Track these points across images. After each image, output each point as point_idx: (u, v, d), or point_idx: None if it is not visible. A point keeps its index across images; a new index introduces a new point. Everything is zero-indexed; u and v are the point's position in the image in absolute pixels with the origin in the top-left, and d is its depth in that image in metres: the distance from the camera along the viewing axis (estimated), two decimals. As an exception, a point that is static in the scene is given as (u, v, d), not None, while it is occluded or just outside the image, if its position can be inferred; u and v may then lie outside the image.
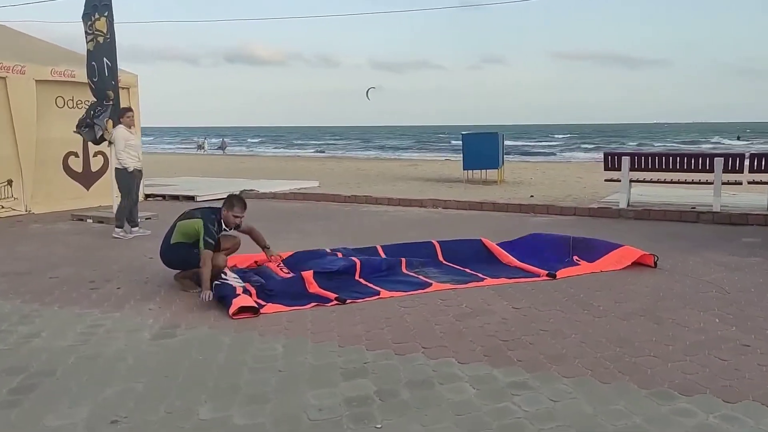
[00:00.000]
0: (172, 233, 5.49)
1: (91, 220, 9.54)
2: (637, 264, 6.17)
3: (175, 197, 12.42)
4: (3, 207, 10.15)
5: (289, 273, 5.79)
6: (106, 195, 10.55)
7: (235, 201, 5.51)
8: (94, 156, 11.26)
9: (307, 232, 8.57)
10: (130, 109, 8.83)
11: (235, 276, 5.52)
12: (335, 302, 4.96)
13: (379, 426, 2.98)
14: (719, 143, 58.39)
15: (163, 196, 12.54)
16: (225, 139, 52.47)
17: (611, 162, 10.15)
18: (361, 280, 5.56)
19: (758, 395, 3.22)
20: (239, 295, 4.91)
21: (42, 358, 3.93)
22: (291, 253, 6.24)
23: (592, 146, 56.43)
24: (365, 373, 3.63)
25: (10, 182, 10.24)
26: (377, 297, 5.11)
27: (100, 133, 9.45)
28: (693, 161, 9.59)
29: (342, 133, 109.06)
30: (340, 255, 6.15)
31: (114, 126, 9.54)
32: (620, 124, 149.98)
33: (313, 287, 5.24)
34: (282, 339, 4.26)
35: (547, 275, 5.69)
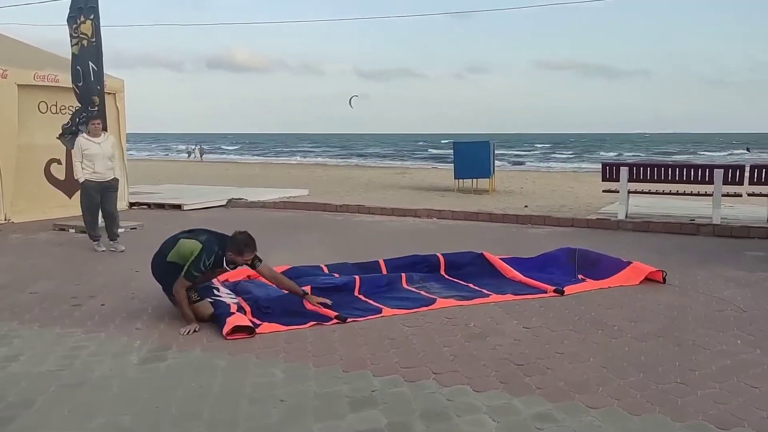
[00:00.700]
0: (171, 249, 4.90)
1: (73, 230, 9.16)
2: (647, 279, 5.96)
3: (161, 206, 12.07)
4: (-19, 216, 9.75)
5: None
6: (90, 204, 10.18)
7: (243, 245, 4.71)
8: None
9: (302, 243, 8.28)
10: (95, 117, 8.32)
11: (228, 292, 5.22)
12: (335, 321, 4.68)
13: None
14: (732, 153, 56.34)
15: (149, 205, 12.18)
16: (202, 146, 52.01)
17: (610, 173, 9.97)
18: (361, 297, 5.29)
19: (800, 428, 2.99)
20: (233, 313, 4.62)
21: (21, 386, 3.61)
22: (287, 267, 5.94)
23: (572, 155, 56.69)
24: (374, 403, 3.35)
25: (-12, 190, 9.84)
26: (379, 315, 4.83)
27: (84, 139, 9.12)
28: (693, 172, 9.44)
29: (321, 140, 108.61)
30: (337, 276, 5.82)
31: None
32: (602, 134, 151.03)
33: (311, 305, 4.95)
34: (281, 363, 3.97)
35: (554, 291, 5.45)
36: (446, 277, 6.01)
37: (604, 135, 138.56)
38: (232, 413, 3.25)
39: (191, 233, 4.94)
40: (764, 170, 9.14)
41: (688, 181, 9.48)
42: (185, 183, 18.36)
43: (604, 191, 10.52)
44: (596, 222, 9.77)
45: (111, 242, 7.97)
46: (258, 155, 58.06)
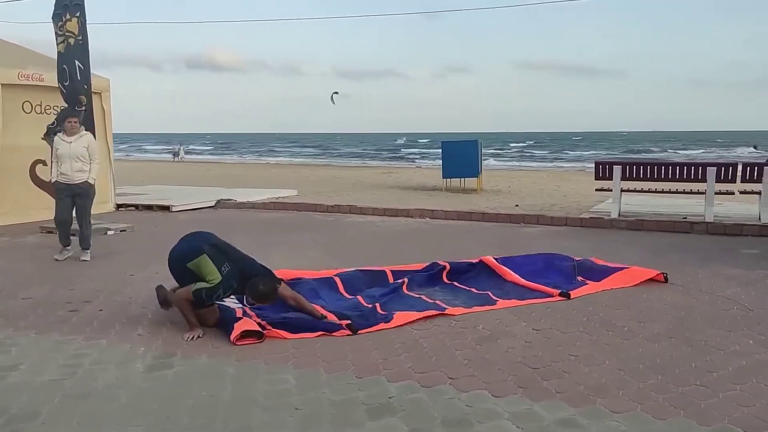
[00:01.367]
0: (193, 257, 4.57)
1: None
2: (648, 279, 5.94)
3: (149, 207, 11.86)
4: (-36, 218, 9.49)
5: None
6: (77, 205, 9.97)
7: (261, 297, 4.60)
8: (63, 164, 10.63)
9: (296, 245, 8.17)
10: (71, 114, 7.73)
11: (233, 297, 5.10)
12: (346, 331, 4.53)
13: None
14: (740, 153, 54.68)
15: (136, 206, 11.97)
16: (181, 146, 51.62)
17: (602, 171, 9.98)
18: (369, 305, 5.16)
19: (827, 430, 2.97)
20: (240, 318, 4.50)
21: (23, 398, 3.47)
22: (295, 276, 5.75)
23: (549, 153, 57.05)
24: (393, 410, 3.27)
25: (-28, 192, 9.58)
26: (390, 324, 4.70)
27: (71, 140, 8.92)
28: (685, 170, 9.49)
29: (298, 139, 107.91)
30: (340, 287, 5.65)
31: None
32: (580, 132, 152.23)
33: (321, 311, 4.84)
34: (292, 369, 3.87)
35: (560, 294, 5.40)
36: (447, 281, 5.93)
37: (581, 133, 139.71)
38: (246, 422, 3.15)
39: (218, 253, 4.62)
40: (756, 168, 9.21)
41: (681, 180, 9.53)
42: (168, 184, 18.12)
43: (597, 189, 10.53)
44: (590, 221, 9.77)
45: (81, 249, 7.42)
46: (234, 155, 57.64)
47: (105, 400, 3.45)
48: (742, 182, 9.34)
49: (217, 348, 4.26)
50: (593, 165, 10.50)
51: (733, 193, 9.67)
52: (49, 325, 4.77)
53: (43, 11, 9.98)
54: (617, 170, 9.78)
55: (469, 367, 3.87)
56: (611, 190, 9.95)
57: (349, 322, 4.62)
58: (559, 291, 5.44)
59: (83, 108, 8.90)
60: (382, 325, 4.65)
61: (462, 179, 16.58)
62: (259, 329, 4.39)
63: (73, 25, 8.87)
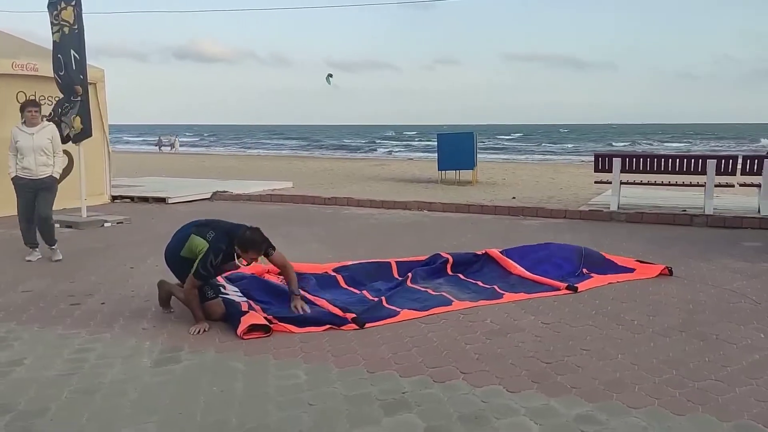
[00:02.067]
0: (182, 245, 4.64)
1: (58, 225, 8.78)
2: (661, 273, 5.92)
3: (145, 199, 11.75)
4: (-43, 210, 9.34)
5: None
6: (72, 197, 9.85)
7: (249, 244, 4.50)
8: (57, 155, 10.50)
9: (295, 238, 8.10)
10: (31, 104, 6.93)
11: (235, 289, 5.04)
12: (353, 325, 4.48)
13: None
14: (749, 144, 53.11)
15: (132, 198, 11.85)
16: (162, 138, 51.53)
17: (602, 163, 9.96)
18: (375, 299, 5.11)
19: None
20: (246, 312, 4.44)
21: (30, 393, 3.41)
22: (297, 270, 5.68)
23: (537, 145, 57.27)
24: (408, 406, 3.23)
25: (-35, 183, 9.43)
26: (397, 318, 4.65)
27: (67, 131, 8.81)
28: (685, 163, 9.48)
29: (286, 131, 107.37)
30: (342, 282, 5.61)
31: (82, 123, 8.94)
32: (569, 125, 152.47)
33: (325, 305, 4.79)
34: (301, 364, 3.82)
35: (567, 288, 5.37)
36: (451, 274, 5.89)
37: (569, 126, 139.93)
38: (261, 419, 3.10)
39: (202, 227, 4.66)
40: (756, 161, 9.22)
41: (681, 172, 9.52)
42: (162, 176, 17.97)
43: (596, 182, 10.51)
44: (589, 213, 9.76)
45: (49, 248, 6.83)
46: (224, 147, 57.44)
47: (114, 395, 3.38)
48: (741, 175, 9.34)
49: (224, 342, 4.20)
50: (583, 157, 10.46)
51: (733, 186, 9.67)
52: (52, 319, 4.70)
53: (37, 0, 9.81)
54: (617, 162, 9.76)
55: (481, 361, 3.83)
56: (610, 183, 9.94)
57: (354, 315, 4.57)
58: (566, 285, 5.41)
59: (79, 98, 8.79)
60: (388, 320, 4.60)
61: (457, 171, 16.56)
62: (267, 323, 4.34)
63: (68, 14, 8.73)
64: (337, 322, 4.49)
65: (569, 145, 57.29)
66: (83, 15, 8.85)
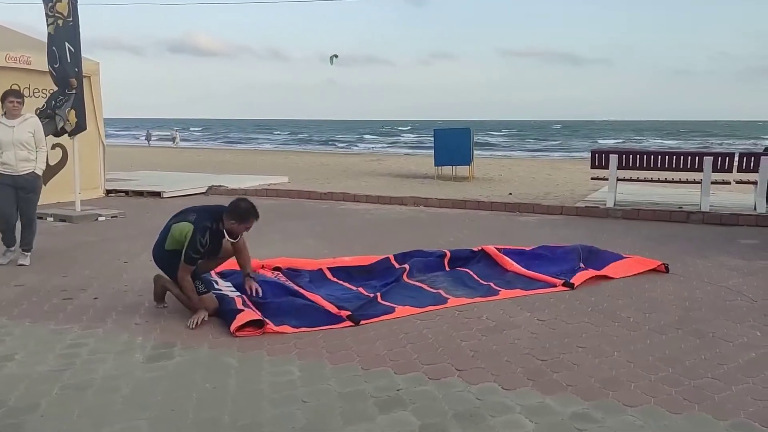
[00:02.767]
0: (167, 237, 4.64)
1: (51, 219, 8.79)
2: (650, 270, 5.91)
3: (140, 193, 11.69)
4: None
5: (287, 282, 5.28)
6: (67, 190, 9.81)
7: (246, 213, 4.54)
8: (52, 148, 10.38)
9: (291, 233, 8.07)
10: (12, 94, 6.42)
11: (228, 284, 5.01)
12: (348, 323, 4.44)
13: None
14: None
15: (126, 192, 11.79)
16: (150, 131, 51.38)
17: (599, 160, 9.94)
18: (370, 295, 5.08)
19: (843, 425, 2.94)
20: (241, 309, 4.39)
21: (21, 389, 3.37)
22: (293, 266, 5.68)
23: (533, 141, 57.32)
24: (402, 403, 3.20)
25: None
26: (392, 315, 4.62)
27: (61, 124, 8.75)
28: (682, 160, 9.46)
29: (279, 126, 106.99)
30: (336, 278, 5.57)
31: (77, 116, 8.88)
32: (566, 121, 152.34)
33: (320, 301, 4.76)
34: (295, 360, 3.79)
35: (564, 284, 5.34)
36: (449, 269, 5.86)
37: (568, 122, 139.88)
38: (254, 416, 3.07)
39: (182, 214, 4.67)
40: (753, 158, 9.21)
41: (677, 169, 9.50)
42: (158, 170, 17.90)
43: (593, 178, 10.49)
44: (585, 210, 9.74)
45: (21, 251, 6.34)
46: (221, 141, 57.42)
47: (106, 391, 3.35)
48: (738, 172, 9.33)
49: (218, 338, 4.17)
50: (572, 153, 10.43)
51: (729, 183, 9.67)
52: (44, 314, 4.65)
53: (31, -9, 9.72)
54: (613, 159, 9.74)
55: (477, 358, 3.81)
56: (607, 179, 9.91)
57: (349, 313, 4.53)
58: (562, 281, 5.39)
59: (74, 91, 8.72)
60: (384, 317, 4.57)
61: (453, 167, 16.53)
62: (261, 318, 4.30)
63: (63, 6, 8.65)
64: (333, 321, 4.44)
65: (555, 142, 57.43)
66: (78, 7, 8.78)
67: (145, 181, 13.28)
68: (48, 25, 8.65)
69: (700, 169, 9.32)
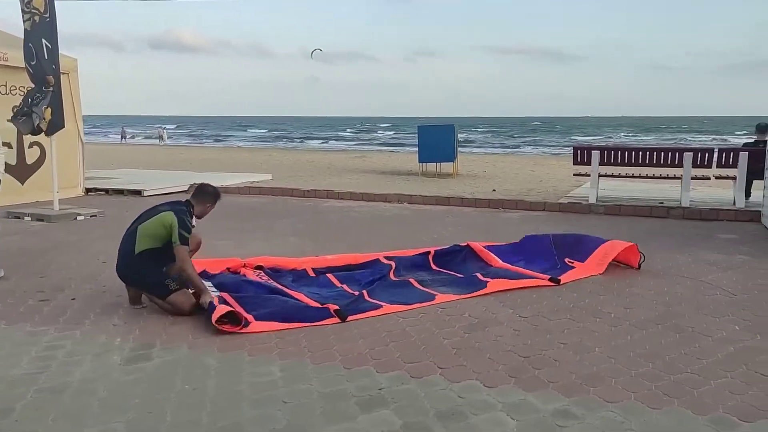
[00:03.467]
0: (135, 241, 4.62)
1: (29, 218, 8.66)
2: (630, 266, 5.94)
3: (120, 191, 11.56)
4: (-75, 203, 9.10)
5: (269, 281, 5.24)
6: (45, 189, 9.68)
7: (210, 191, 4.97)
8: (29, 147, 10.29)
9: (274, 231, 8.02)
10: None
11: (209, 284, 4.96)
12: (334, 319, 4.41)
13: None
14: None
15: (106, 191, 11.65)
16: (124, 128, 50.85)
17: (581, 156, 9.98)
18: (355, 293, 5.05)
19: (820, 418, 2.96)
20: (217, 305, 4.35)
21: (-6, 393, 3.31)
22: (272, 264, 5.64)
23: (508, 138, 57.71)
24: (384, 402, 3.18)
25: (-68, 176, 9.19)
26: (380, 312, 4.59)
27: (38, 122, 8.62)
28: (662, 156, 9.53)
29: (260, 123, 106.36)
30: (331, 278, 5.52)
31: (52, 115, 8.75)
32: (545, 117, 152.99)
33: (304, 299, 4.73)
34: (277, 360, 3.75)
35: (550, 280, 5.35)
36: (434, 267, 5.85)
37: (547, 119, 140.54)
38: (234, 418, 3.03)
39: (147, 213, 4.76)
40: (732, 153, 9.30)
41: (659, 165, 9.58)
42: (139, 168, 17.73)
43: (575, 175, 10.55)
44: (568, 206, 9.78)
45: None
46: (200, 138, 57.12)
47: (82, 394, 3.29)
48: (717, 167, 9.43)
49: (197, 339, 4.12)
50: (555, 150, 10.49)
51: (709, 179, 9.76)
52: (20, 316, 4.57)
53: (6, -13, 9.54)
54: (595, 155, 9.80)
55: (459, 356, 3.80)
56: (589, 175, 9.97)
57: (337, 308, 4.51)
58: (548, 276, 5.39)
59: (51, 89, 8.59)
60: (370, 313, 4.54)
61: (438, 164, 16.54)
62: (241, 316, 4.25)
63: (39, 2, 8.53)
64: (320, 316, 4.41)
65: (535, 138, 57.89)
66: (55, 2, 8.65)
67: (126, 179, 13.15)
68: (24, 21, 8.51)
69: (680, 165, 9.41)
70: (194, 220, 4.88)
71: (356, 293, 4.96)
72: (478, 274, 5.39)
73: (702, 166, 9.39)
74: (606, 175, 10.12)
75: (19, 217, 8.76)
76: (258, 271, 5.45)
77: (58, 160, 9.21)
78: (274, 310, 4.40)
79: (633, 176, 10.42)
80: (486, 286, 5.12)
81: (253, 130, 77.03)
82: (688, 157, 9.33)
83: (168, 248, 4.61)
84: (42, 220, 8.59)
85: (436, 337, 4.13)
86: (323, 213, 9.61)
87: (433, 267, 5.84)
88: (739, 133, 56.81)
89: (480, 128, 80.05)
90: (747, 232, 7.91)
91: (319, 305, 4.59)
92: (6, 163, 10.07)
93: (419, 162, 16.42)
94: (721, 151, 9.43)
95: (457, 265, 5.86)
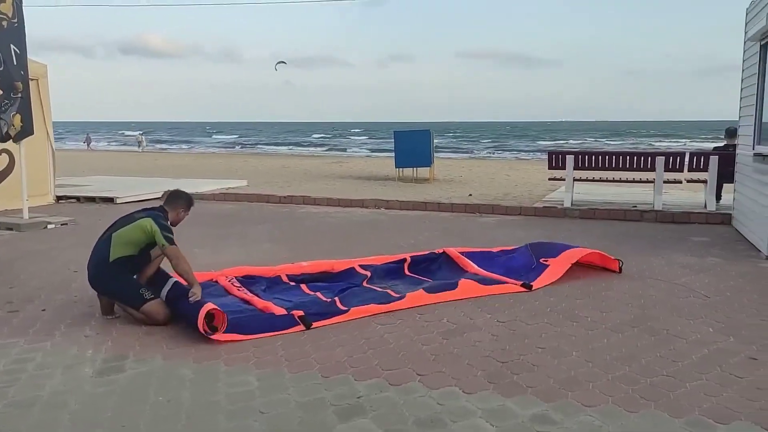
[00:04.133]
0: (109, 249, 4.54)
1: (-3, 228, 8.46)
2: (605, 270, 5.99)
3: (92, 199, 11.36)
4: None
5: (240, 288, 5.17)
6: (14, 198, 9.48)
7: (183, 197, 4.93)
8: (-2, 154, 10.07)
9: (250, 237, 7.94)
10: None
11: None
12: (300, 326, 4.37)
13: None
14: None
15: (78, 198, 11.45)
16: (89, 134, 50.13)
17: (556, 161, 10.07)
18: (328, 300, 5.00)
19: (793, 418, 3.00)
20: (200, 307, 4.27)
21: (-39, 409, 3.21)
22: (246, 273, 5.58)
23: (488, 143, 58.32)
24: (363, 411, 3.15)
25: None
26: (345, 316, 4.57)
27: (6, 129, 8.43)
28: (636, 160, 9.65)
29: (233, 128, 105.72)
30: (304, 288, 5.46)
31: (22, 121, 8.58)
32: (520, 122, 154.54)
33: (271, 307, 4.67)
34: (253, 370, 3.70)
35: (522, 285, 5.37)
36: (408, 274, 5.84)
37: (523, 123, 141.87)
38: (210, 429, 2.98)
39: (120, 223, 4.68)
40: (702, 157, 9.45)
41: (632, 169, 9.70)
42: (112, 175, 17.48)
43: (550, 179, 10.63)
44: (543, 210, 9.85)
45: None
46: (171, 144, 56.68)
47: (53, 408, 3.21)
48: (689, 171, 9.58)
49: (172, 349, 4.05)
50: (529, 154, 10.59)
51: (680, 182, 9.90)
52: (-12, 328, 4.45)
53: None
54: (570, 160, 9.89)
55: (437, 362, 3.78)
56: (564, 180, 10.06)
57: (302, 314, 4.47)
58: (521, 282, 5.41)
59: (19, 95, 8.43)
60: (337, 318, 4.51)
61: (414, 169, 16.58)
62: (222, 312, 4.20)
63: (6, 7, 8.35)
64: (283, 325, 4.35)
65: (508, 143, 58.63)
66: (23, 8, 8.49)
67: (98, 186, 12.94)
68: (-9, 27, 8.33)
69: (652, 169, 9.54)
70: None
71: (328, 300, 4.92)
72: (451, 281, 5.38)
73: (674, 170, 9.54)
74: (580, 179, 10.22)
75: (-13, 226, 8.56)
76: (231, 278, 5.38)
77: (28, 168, 9.02)
78: (236, 323, 4.32)
79: (607, 180, 10.53)
80: (456, 287, 5.11)
81: (220, 136, 76.41)
82: (660, 161, 9.47)
83: (141, 257, 4.55)
84: (11, 229, 8.40)
85: (414, 343, 4.12)
86: (299, 219, 9.55)
87: (408, 274, 5.81)
88: (706, 137, 57.90)
89: (452, 133, 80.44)
90: (718, 234, 8.04)
91: (285, 312, 4.54)
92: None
93: (396, 167, 16.43)
94: (692, 155, 9.59)
95: (433, 272, 5.85)
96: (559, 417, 3.05)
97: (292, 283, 5.47)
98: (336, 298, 4.95)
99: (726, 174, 9.17)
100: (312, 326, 4.38)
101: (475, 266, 5.90)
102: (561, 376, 3.54)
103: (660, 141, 58.98)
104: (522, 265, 5.93)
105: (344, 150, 48.30)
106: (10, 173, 10.20)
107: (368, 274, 5.61)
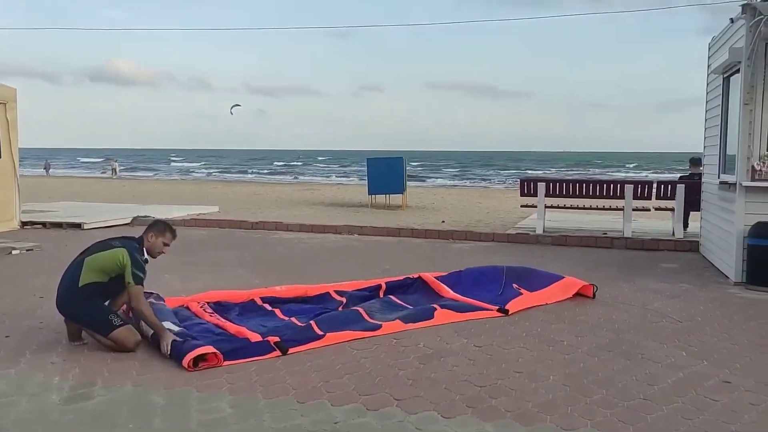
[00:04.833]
0: (79, 273, 4.42)
1: (-41, 253, 8.21)
2: (578, 294, 6.04)
3: (58, 225, 11.11)
4: None
5: (213, 314, 5.08)
6: (-23, 222, 9.22)
7: (166, 226, 4.76)
8: (-39, 178, 9.83)
9: (222, 263, 7.83)
10: None
11: (168, 323, 4.75)
12: (276, 351, 4.30)
13: None
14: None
15: (44, 224, 11.18)
16: (48, 161, 49.56)
17: (527, 188, 10.19)
18: (303, 324, 4.94)
19: (768, 440, 3.03)
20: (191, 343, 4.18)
21: None
22: (219, 299, 5.49)
23: (456, 171, 59.21)
24: (340, 437, 3.09)
25: None
26: (321, 342, 4.51)
27: (-28, 151, 8.25)
28: (605, 188, 9.83)
29: (203, 156, 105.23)
30: (268, 307, 5.42)
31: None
32: (490, 152, 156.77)
33: (246, 333, 4.59)
34: (227, 396, 3.61)
35: (498, 310, 5.37)
36: (383, 298, 5.80)
37: (489, 153, 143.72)
38: (182, 458, 2.89)
39: (95, 248, 4.56)
40: (669, 186, 9.66)
41: (601, 196, 9.86)
42: (80, 200, 17.18)
43: (522, 206, 10.75)
44: (516, 237, 9.93)
45: None
46: (140, 171, 56.21)
47: (17, 438, 3.08)
48: (657, 199, 9.77)
49: (142, 375, 3.94)
50: (499, 183, 10.72)
51: (648, 210, 10.10)
52: (-52, 355, 4.28)
53: (-60, 12, 9.19)
54: (541, 187, 10.02)
55: (415, 387, 3.74)
56: (536, 207, 10.17)
57: (278, 339, 4.40)
58: (497, 307, 5.41)
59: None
60: (313, 344, 4.45)
61: (387, 195, 16.64)
62: (213, 351, 4.11)
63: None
64: (260, 351, 4.28)
65: (477, 172, 59.61)
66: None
67: (65, 212, 12.68)
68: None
69: (621, 197, 9.71)
70: (146, 255, 4.66)
71: (303, 325, 4.86)
72: (428, 306, 5.36)
73: (642, 197, 9.73)
74: (552, 207, 10.35)
75: (-52, 251, 8.30)
76: (202, 304, 5.28)
77: (-7, 192, 8.81)
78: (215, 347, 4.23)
79: (578, 207, 10.70)
80: (433, 317, 5.09)
81: (188, 164, 76.08)
82: (629, 189, 9.66)
83: (114, 284, 4.44)
84: (-26, 254, 8.15)
85: (391, 368, 4.07)
86: (272, 245, 9.47)
87: (382, 297, 5.78)
88: (671, 167, 59.40)
89: (422, 161, 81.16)
90: (687, 261, 8.18)
91: (261, 338, 4.47)
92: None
93: (369, 194, 16.49)
94: (659, 183, 9.81)
95: (409, 297, 5.82)
96: (539, 441, 3.03)
97: (267, 307, 5.39)
98: (312, 322, 4.88)
99: (692, 202, 9.38)
100: (288, 352, 4.31)
101: (451, 291, 5.90)
102: (539, 400, 3.53)
103: (617, 171, 60.36)
104: (495, 291, 5.92)
105: (315, 176, 48.39)
106: (-27, 197, 9.95)
107: (344, 300, 5.56)
